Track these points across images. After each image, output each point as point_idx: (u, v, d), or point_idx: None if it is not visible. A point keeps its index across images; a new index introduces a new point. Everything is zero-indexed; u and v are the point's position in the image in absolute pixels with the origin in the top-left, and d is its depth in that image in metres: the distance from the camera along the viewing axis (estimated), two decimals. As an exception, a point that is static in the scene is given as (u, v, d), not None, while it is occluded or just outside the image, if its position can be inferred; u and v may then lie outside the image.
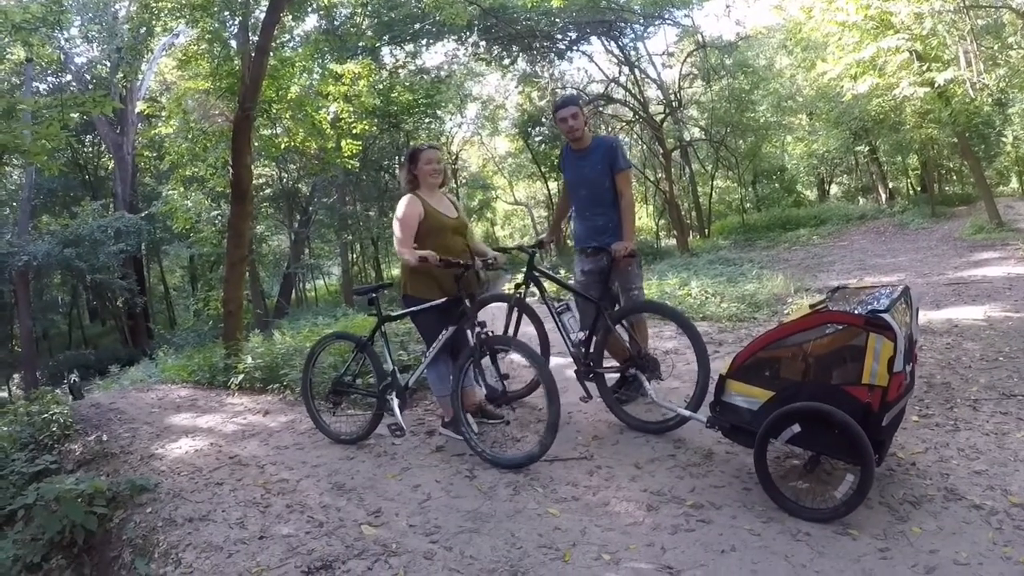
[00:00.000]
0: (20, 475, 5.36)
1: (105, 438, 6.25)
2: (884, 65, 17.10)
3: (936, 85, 16.12)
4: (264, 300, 25.45)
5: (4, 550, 4.18)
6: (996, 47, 16.98)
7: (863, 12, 15.91)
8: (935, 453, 4.34)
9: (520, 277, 5.74)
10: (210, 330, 18.43)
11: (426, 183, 5.10)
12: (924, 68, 16.57)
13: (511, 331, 5.67)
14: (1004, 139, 26.02)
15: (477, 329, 4.77)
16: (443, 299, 4.92)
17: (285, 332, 11.39)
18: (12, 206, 27.60)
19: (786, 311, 8.70)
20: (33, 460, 5.69)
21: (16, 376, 24.41)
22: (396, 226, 5.03)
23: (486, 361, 4.81)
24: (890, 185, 31.85)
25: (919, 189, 29.64)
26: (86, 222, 22.29)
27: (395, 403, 5.02)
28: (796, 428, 3.64)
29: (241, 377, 7.78)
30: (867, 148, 28.12)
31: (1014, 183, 30.38)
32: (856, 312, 3.63)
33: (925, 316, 8.26)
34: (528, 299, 5.72)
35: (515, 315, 5.67)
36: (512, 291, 5.78)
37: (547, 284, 5.94)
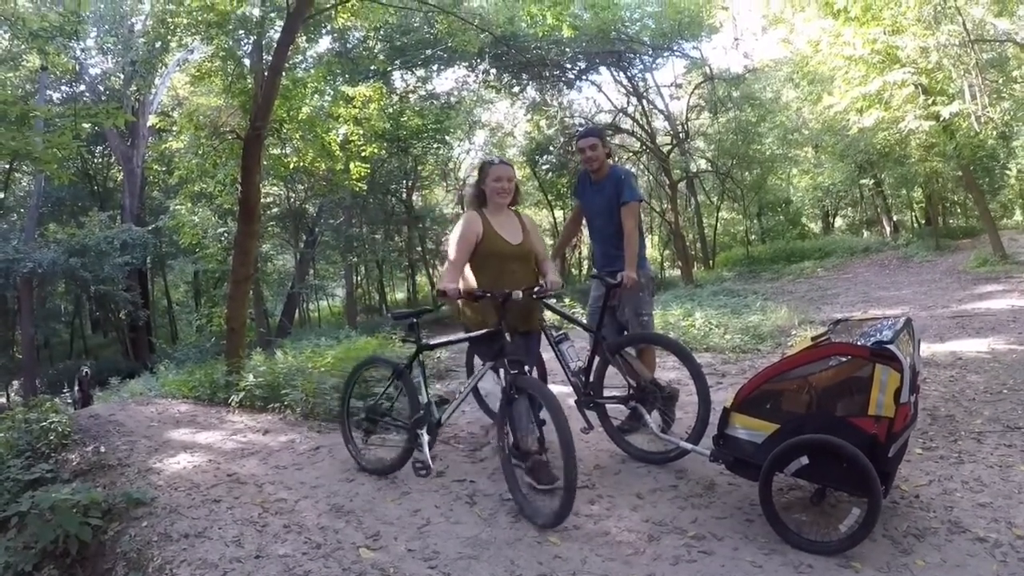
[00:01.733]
0: (15, 482, 5.30)
1: (103, 449, 6.22)
2: (890, 99, 17.16)
3: (941, 118, 16.20)
4: (267, 319, 25.49)
5: (-4, 556, 4.16)
6: (1001, 80, 17.06)
7: (869, 46, 15.99)
8: (939, 486, 4.31)
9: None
10: (212, 346, 18.39)
11: (493, 201, 4.79)
12: (930, 102, 16.64)
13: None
14: (1008, 172, 26.14)
15: (514, 371, 4.32)
16: (482, 331, 4.59)
17: (287, 352, 11.38)
18: (20, 213, 27.77)
19: (789, 343, 8.68)
20: (29, 468, 5.63)
21: (15, 383, 24.39)
22: (450, 244, 4.71)
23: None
24: (895, 218, 31.86)
25: (923, 222, 29.63)
26: (93, 232, 22.37)
27: (425, 439, 4.62)
28: (804, 460, 3.61)
29: (242, 395, 7.75)
30: (872, 181, 28.15)
31: (1018, 216, 30.46)
32: (860, 344, 3.62)
33: (929, 349, 8.24)
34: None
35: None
36: None
37: (547, 313, 5.94)
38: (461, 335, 4.78)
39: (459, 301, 4.70)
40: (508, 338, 4.43)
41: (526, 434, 4.51)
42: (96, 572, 4.13)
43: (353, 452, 5.26)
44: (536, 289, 4.72)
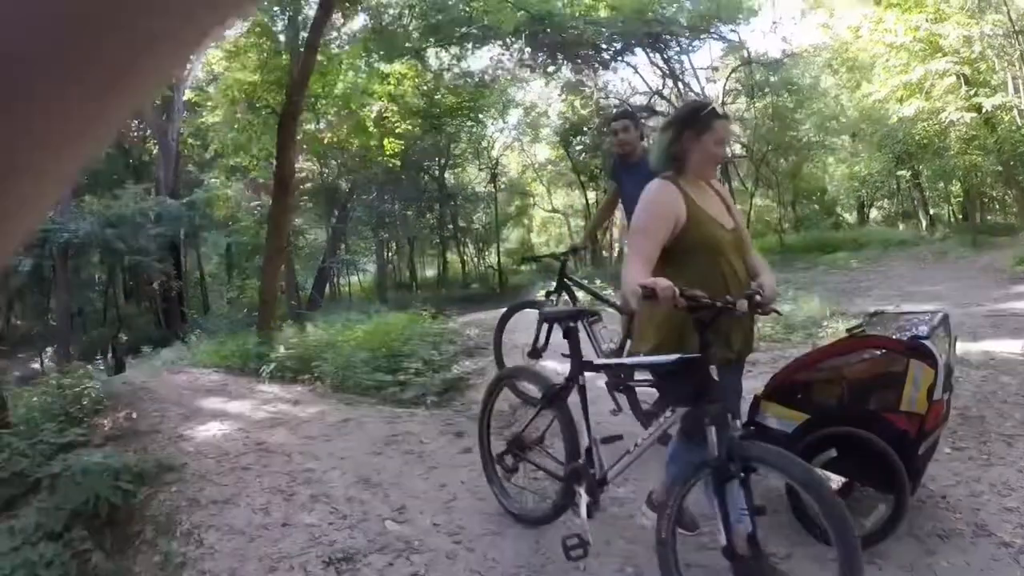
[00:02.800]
0: (48, 445, 5.41)
1: (135, 416, 6.32)
2: (931, 88, 16.93)
3: (983, 110, 15.95)
4: (298, 292, 25.64)
5: (27, 516, 4.25)
6: (1046, 73, 16.75)
7: (912, 34, 15.80)
8: (966, 487, 4.26)
9: (552, 285, 5.75)
10: (243, 318, 18.55)
11: (701, 170, 3.39)
12: (971, 93, 16.38)
13: (542, 340, 5.69)
14: (1051, 169, 25.62)
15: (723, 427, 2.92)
16: (676, 357, 3.06)
17: (318, 325, 11.48)
18: (56, 185, 28.09)
19: (821, 335, 8.62)
20: (62, 432, 5.74)
21: (49, 350, 24.75)
22: (636, 227, 3.32)
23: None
24: (931, 212, 31.37)
25: (961, 217, 29.18)
26: (128, 205, 22.56)
27: (583, 502, 3.44)
28: (833, 453, 3.58)
29: (273, 366, 7.83)
30: (909, 173, 27.74)
31: (1060, 214, 29.93)
32: (896, 338, 3.58)
33: (962, 347, 8.13)
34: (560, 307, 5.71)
35: (546, 323, 5.68)
36: (543, 299, 5.78)
37: (580, 293, 5.95)
38: (636, 360, 3.45)
39: (644, 308, 3.28)
40: (714, 373, 2.98)
41: (735, 528, 2.97)
42: (125, 535, 4.20)
43: (496, 491, 4.18)
44: (757, 298, 3.20)
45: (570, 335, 3.75)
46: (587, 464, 3.52)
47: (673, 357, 3.06)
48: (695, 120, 3.28)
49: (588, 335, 5.19)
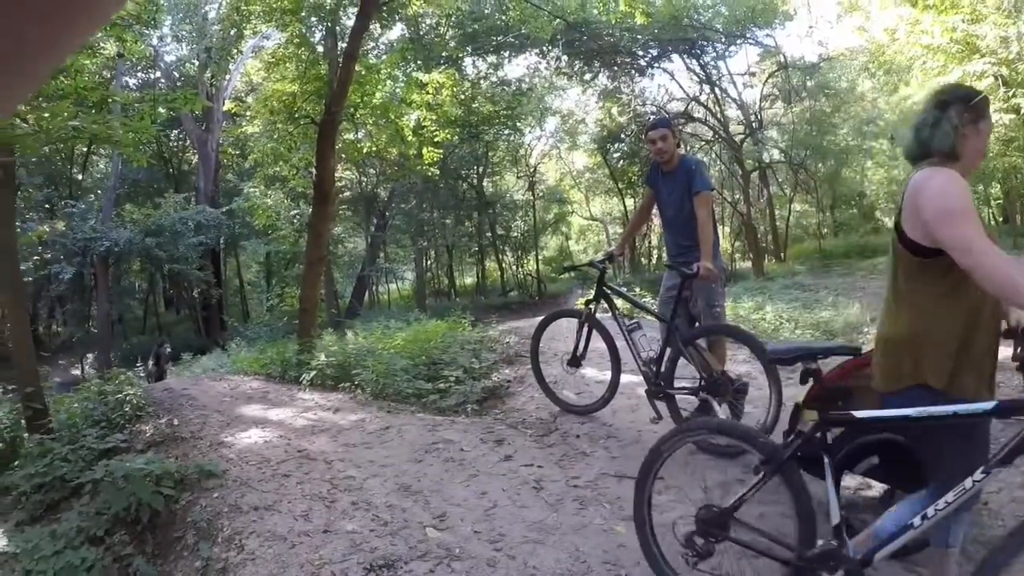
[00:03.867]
0: (90, 451, 5.48)
1: (176, 422, 6.40)
2: (969, 90, 16.68)
3: (1022, 111, 15.68)
4: (338, 300, 25.82)
5: (69, 521, 4.30)
6: (1084, 74, 16.44)
7: (949, 35, 15.56)
8: (1008, 494, 4.17)
9: (591, 293, 5.74)
10: (283, 326, 18.71)
11: (971, 164, 2.86)
12: (1010, 94, 16.11)
13: (581, 348, 5.68)
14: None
15: None
16: (993, 403, 2.46)
17: (358, 333, 11.54)
18: (98, 194, 28.55)
19: (862, 341, 8.50)
20: (104, 437, 5.81)
21: (90, 356, 25.13)
22: (955, 210, 2.59)
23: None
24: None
25: (1001, 219, 28.70)
26: (168, 213, 22.90)
27: None
28: (874, 460, 3.52)
29: (313, 374, 7.87)
30: (949, 176, 27.35)
31: (1100, 215, 29.29)
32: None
33: (1003, 351, 7.98)
34: (600, 315, 5.70)
35: (585, 331, 5.68)
36: (583, 306, 5.78)
37: (619, 301, 5.94)
38: (937, 411, 2.54)
39: (919, 337, 2.71)
40: None
41: None
42: (166, 540, 4.25)
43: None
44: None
45: (810, 377, 2.98)
46: (839, 547, 2.76)
47: (990, 404, 2.45)
48: (973, 105, 2.74)
49: (627, 342, 5.18)
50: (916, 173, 2.71)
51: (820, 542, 2.83)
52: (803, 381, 3.02)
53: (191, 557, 3.94)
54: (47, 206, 24.80)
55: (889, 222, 34.56)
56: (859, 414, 2.79)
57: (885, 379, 2.83)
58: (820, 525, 2.92)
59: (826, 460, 2.81)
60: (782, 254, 29.09)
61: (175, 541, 4.18)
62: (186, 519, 4.30)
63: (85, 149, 26.61)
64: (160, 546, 4.23)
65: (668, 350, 5.08)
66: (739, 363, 6.97)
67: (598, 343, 5.74)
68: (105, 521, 4.28)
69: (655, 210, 5.84)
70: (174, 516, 4.41)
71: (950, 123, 2.69)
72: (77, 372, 23.93)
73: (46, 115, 6.69)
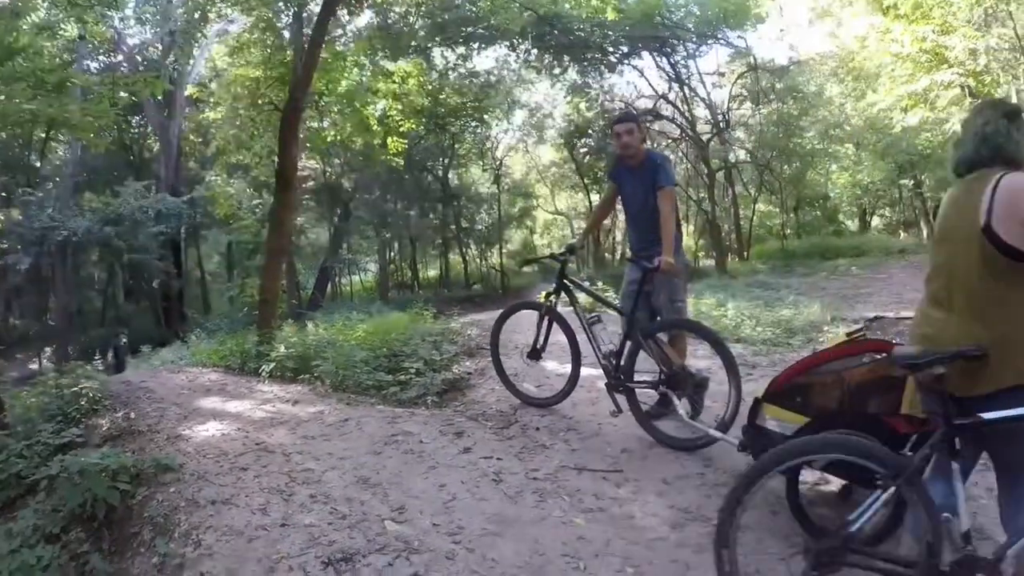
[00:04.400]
0: (45, 446, 5.38)
1: (133, 416, 6.29)
2: (935, 99, 16.93)
3: (987, 122, 15.98)
4: (299, 291, 25.63)
5: (25, 519, 4.21)
6: (1049, 87, 16.77)
7: (918, 45, 15.80)
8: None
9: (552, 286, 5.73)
10: (243, 317, 18.54)
11: None
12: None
13: (541, 340, 5.67)
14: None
15: None
16: None
17: (319, 324, 11.46)
18: (56, 181, 28.04)
19: (821, 339, 8.59)
20: (59, 432, 5.71)
21: (48, 349, 24.73)
22: None
23: None
24: (933, 221, 31.39)
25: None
26: (128, 202, 22.56)
27: None
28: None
29: (272, 365, 7.80)
30: (912, 182, 27.79)
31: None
32: (897, 342, 3.56)
33: None
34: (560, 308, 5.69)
35: (545, 324, 5.67)
36: (543, 300, 5.77)
37: (580, 295, 5.93)
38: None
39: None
40: None
41: None
42: (123, 536, 4.17)
43: None
44: None
45: (937, 387, 2.79)
46: (973, 551, 2.71)
47: None
48: None
49: (587, 336, 5.19)
50: (1005, 177, 2.74)
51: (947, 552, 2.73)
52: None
53: (148, 553, 3.87)
54: (3, 194, 24.33)
55: (852, 225, 35.10)
56: (987, 416, 2.69)
57: (981, 381, 2.77)
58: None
59: (954, 466, 2.76)
60: (745, 253, 29.34)
61: (132, 537, 4.11)
62: (143, 515, 4.23)
63: (44, 135, 26.10)
64: (117, 543, 4.15)
65: (628, 343, 5.09)
66: (699, 358, 7.01)
67: (559, 336, 5.73)
68: (61, 518, 4.19)
69: (619, 204, 5.85)
70: (131, 512, 4.32)
71: (1020, 133, 2.83)
72: (35, 366, 23.52)
73: (1, 97, 6.55)
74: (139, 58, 27.55)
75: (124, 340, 18.89)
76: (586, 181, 31.43)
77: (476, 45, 24.46)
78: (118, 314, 29.64)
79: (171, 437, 5.55)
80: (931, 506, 2.73)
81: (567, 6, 19.25)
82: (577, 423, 5.40)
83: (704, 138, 26.30)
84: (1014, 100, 15.55)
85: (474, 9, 20.77)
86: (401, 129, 14.89)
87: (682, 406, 4.85)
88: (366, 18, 22.21)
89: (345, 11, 14.76)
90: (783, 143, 27.19)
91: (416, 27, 22.95)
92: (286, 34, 12.29)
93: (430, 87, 22.30)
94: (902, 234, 32.87)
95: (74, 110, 8.61)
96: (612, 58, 25.30)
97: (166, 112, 26.28)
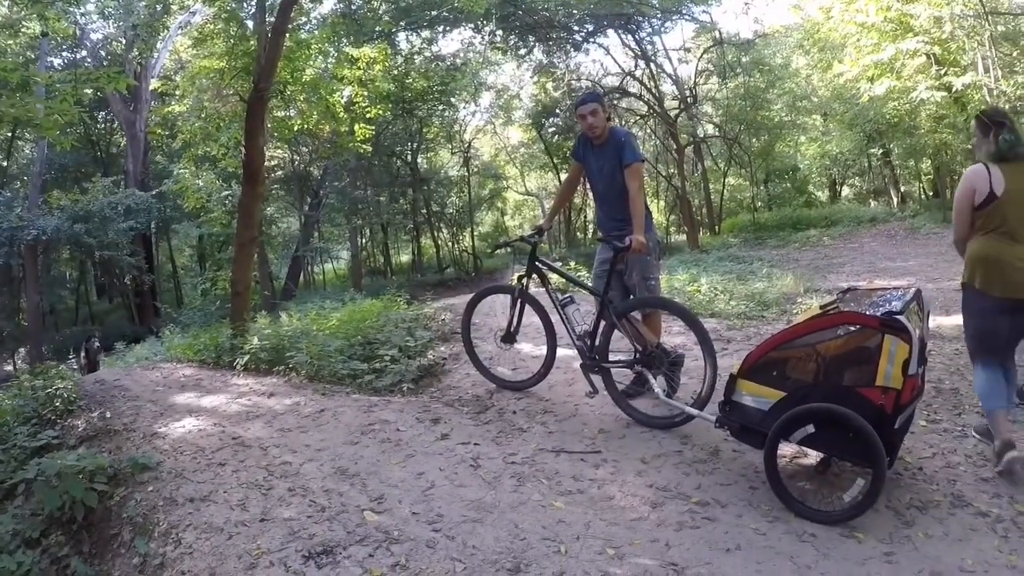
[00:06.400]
0: (21, 449, 5.33)
1: (108, 415, 6.23)
2: (901, 68, 17.07)
3: (953, 90, 16.09)
4: (272, 282, 25.48)
5: (3, 524, 4.18)
6: (1014, 54, 16.92)
7: (883, 14, 15.90)
8: (942, 459, 4.28)
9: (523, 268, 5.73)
10: (217, 310, 18.36)
11: None
12: (942, 72, 16.52)
13: (514, 323, 5.67)
14: (1019, 147, 25.86)
15: None
16: None
17: (292, 314, 11.39)
18: (23, 180, 27.70)
19: (795, 311, 8.65)
20: (35, 435, 5.66)
21: (21, 350, 24.48)
22: None
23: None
24: (902, 189, 31.62)
25: (931, 194, 29.46)
26: (96, 198, 22.33)
27: None
28: (810, 429, 3.61)
29: (247, 358, 7.74)
30: (880, 151, 27.99)
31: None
32: (870, 313, 3.59)
33: (935, 321, 8.19)
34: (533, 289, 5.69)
35: (518, 307, 5.66)
36: (515, 282, 5.77)
37: (553, 275, 5.93)
38: None
39: None
40: None
41: None
42: (102, 537, 4.14)
43: None
44: None
45: None
46: None
47: None
48: None
49: (561, 317, 5.20)
50: None
51: None
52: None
53: (128, 554, 3.85)
54: (-31, 195, 23.94)
55: (822, 195, 35.28)
56: None
57: None
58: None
59: None
60: (716, 227, 29.52)
61: (111, 539, 4.08)
62: (121, 515, 4.19)
63: (9, 134, 25.74)
64: (97, 545, 4.12)
65: (602, 323, 5.10)
66: (674, 335, 7.04)
67: (533, 318, 5.73)
68: (40, 522, 4.17)
69: (587, 184, 5.85)
70: (109, 513, 4.29)
71: None
72: (9, 368, 23.29)
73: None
74: (103, 53, 27.20)
75: (97, 342, 18.69)
76: (555, 160, 31.44)
77: (441, 28, 24.39)
78: (91, 312, 29.40)
79: (147, 435, 5.49)
80: None
81: (531, -14, 19.18)
82: (554, 405, 5.41)
83: (672, 114, 26.36)
84: (979, 67, 15.69)
85: (438, -9, 20.68)
86: (368, 115, 14.80)
87: (658, 384, 4.87)
88: (329, 4, 22.07)
89: (308, -2, 14.64)
90: (751, 116, 27.32)
91: (380, 12, 22.79)
92: (249, 24, 12.14)
93: (396, 72, 22.20)
94: (872, 203, 33.13)
95: (39, 109, 8.47)
96: (577, 37, 25.33)
97: (132, 107, 25.97)
